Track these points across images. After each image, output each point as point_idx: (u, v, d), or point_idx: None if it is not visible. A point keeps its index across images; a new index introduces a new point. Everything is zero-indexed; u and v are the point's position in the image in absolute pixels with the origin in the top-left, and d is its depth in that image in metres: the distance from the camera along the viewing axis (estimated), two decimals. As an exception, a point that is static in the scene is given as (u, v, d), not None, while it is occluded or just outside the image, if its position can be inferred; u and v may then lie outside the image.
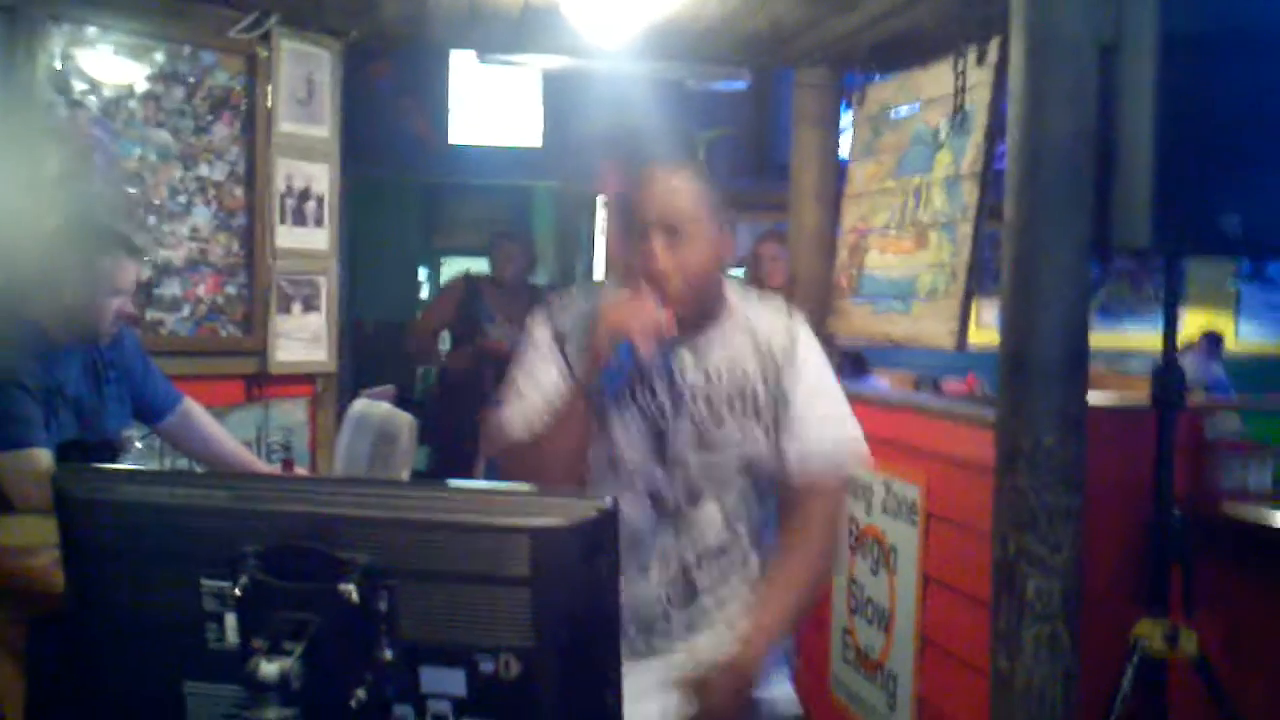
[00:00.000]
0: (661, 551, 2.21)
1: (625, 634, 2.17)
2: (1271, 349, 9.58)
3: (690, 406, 2.19)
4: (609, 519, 1.31)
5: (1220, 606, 3.32)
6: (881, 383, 6.79)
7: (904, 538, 3.65)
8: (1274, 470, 3.51)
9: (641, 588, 2.21)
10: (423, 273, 11.73)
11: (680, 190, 2.14)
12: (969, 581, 3.19)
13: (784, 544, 2.25)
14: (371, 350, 7.93)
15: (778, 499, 2.32)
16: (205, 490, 1.42)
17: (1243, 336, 9.75)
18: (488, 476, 5.49)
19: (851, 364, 6.46)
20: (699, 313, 2.19)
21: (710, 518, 2.22)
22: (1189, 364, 7.89)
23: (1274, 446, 3.53)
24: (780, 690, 2.33)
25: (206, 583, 1.36)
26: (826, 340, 4.65)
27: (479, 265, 6.20)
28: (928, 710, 3.53)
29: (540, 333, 2.27)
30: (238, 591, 1.33)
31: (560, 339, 2.24)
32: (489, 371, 5.51)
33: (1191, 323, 9.01)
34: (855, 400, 4.16)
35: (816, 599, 2.23)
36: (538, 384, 2.21)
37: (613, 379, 2.08)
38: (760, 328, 2.25)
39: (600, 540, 1.31)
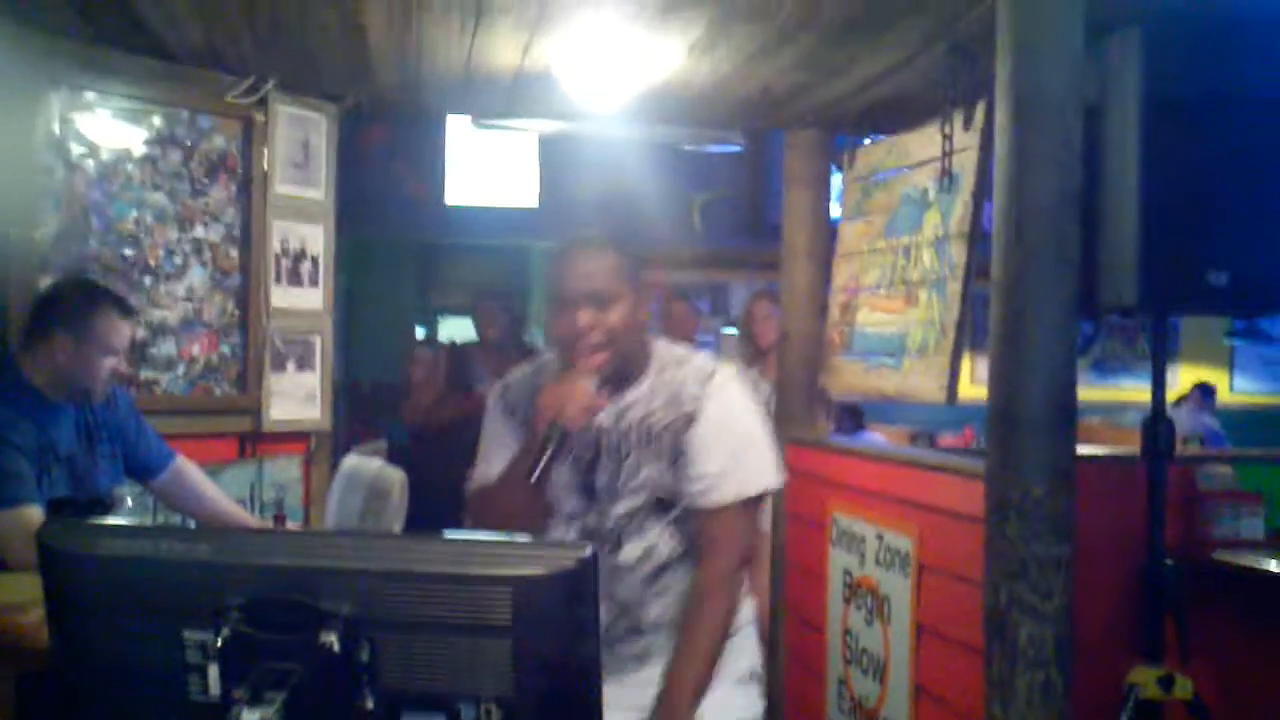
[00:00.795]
0: (602, 589, 2.28)
1: None
2: (1265, 401, 9.61)
3: (610, 457, 2.42)
4: (588, 567, 1.32)
5: (1214, 653, 3.32)
6: (877, 437, 6.82)
7: (897, 588, 3.65)
8: (1266, 520, 3.52)
9: None
10: (420, 332, 11.76)
11: (601, 262, 2.37)
12: (962, 630, 3.19)
13: (698, 582, 2.41)
14: (367, 409, 7.96)
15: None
16: (188, 544, 1.43)
17: (1237, 390, 9.79)
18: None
19: (849, 419, 6.50)
20: (622, 372, 2.40)
21: (635, 555, 2.41)
22: (1183, 416, 7.93)
23: (1266, 496, 3.54)
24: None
25: (189, 635, 1.37)
26: (820, 396, 4.69)
27: (469, 330, 6.27)
28: (923, 762, 3.51)
29: (495, 404, 2.58)
30: (220, 643, 1.34)
31: (510, 411, 2.53)
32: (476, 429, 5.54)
33: (1186, 377, 9.05)
34: (847, 455, 4.22)
35: (724, 630, 2.41)
36: (496, 445, 2.51)
37: (546, 463, 2.28)
38: (675, 383, 2.43)
39: (580, 588, 1.32)
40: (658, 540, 2.41)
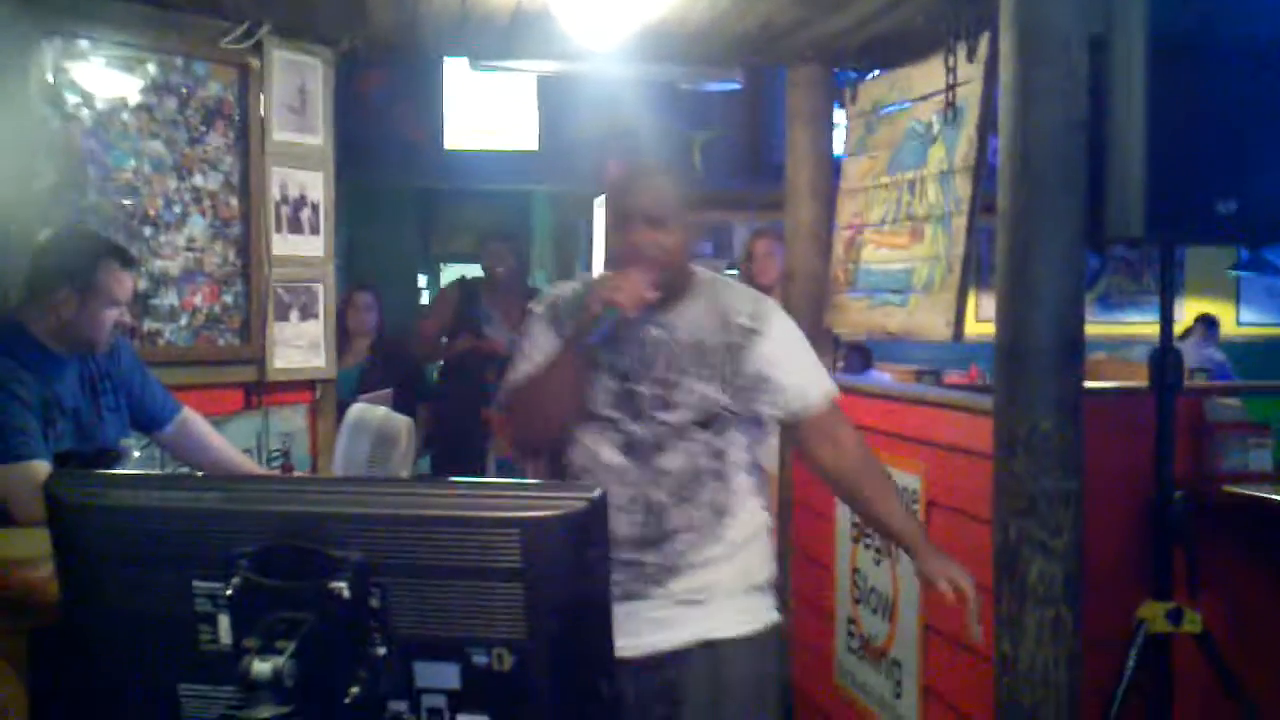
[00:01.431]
0: (634, 493, 2.52)
1: None
2: (1271, 332, 9.59)
3: (653, 366, 2.53)
4: (599, 509, 1.31)
5: (1223, 586, 3.33)
6: (885, 376, 6.80)
7: (906, 528, 3.65)
8: (1274, 451, 3.51)
9: (620, 526, 2.45)
10: (422, 279, 11.73)
11: (661, 187, 2.54)
12: (971, 568, 3.17)
13: (835, 465, 2.68)
14: (391, 359, 7.96)
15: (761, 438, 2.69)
16: (196, 493, 1.43)
17: (1243, 322, 9.76)
18: (498, 473, 5.53)
19: (858, 358, 6.48)
20: (671, 291, 2.53)
21: (677, 463, 2.53)
22: (1188, 349, 7.89)
23: (1274, 427, 3.53)
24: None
25: (199, 584, 1.37)
26: (826, 334, 4.67)
27: (476, 270, 6.22)
28: (933, 696, 3.53)
29: (540, 310, 2.68)
30: (230, 593, 1.33)
31: (556, 316, 2.63)
32: (490, 370, 5.54)
33: (1191, 310, 9.01)
34: (854, 393, 4.21)
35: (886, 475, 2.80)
36: (539, 349, 2.60)
37: (599, 338, 2.45)
38: (725, 304, 2.60)
39: (590, 530, 1.31)
40: (697, 452, 2.53)
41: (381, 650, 1.33)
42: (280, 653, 1.30)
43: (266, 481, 2.32)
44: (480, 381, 5.64)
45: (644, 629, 2.46)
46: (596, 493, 1.32)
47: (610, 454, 2.53)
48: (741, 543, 2.60)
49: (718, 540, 2.56)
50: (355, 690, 1.33)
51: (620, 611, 2.32)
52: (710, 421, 2.54)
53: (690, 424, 2.52)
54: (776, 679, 2.71)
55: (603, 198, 8.58)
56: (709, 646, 2.53)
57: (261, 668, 1.28)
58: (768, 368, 2.57)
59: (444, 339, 5.98)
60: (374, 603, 1.32)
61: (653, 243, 2.48)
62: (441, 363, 6.15)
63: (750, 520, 2.63)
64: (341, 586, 1.30)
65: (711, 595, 2.55)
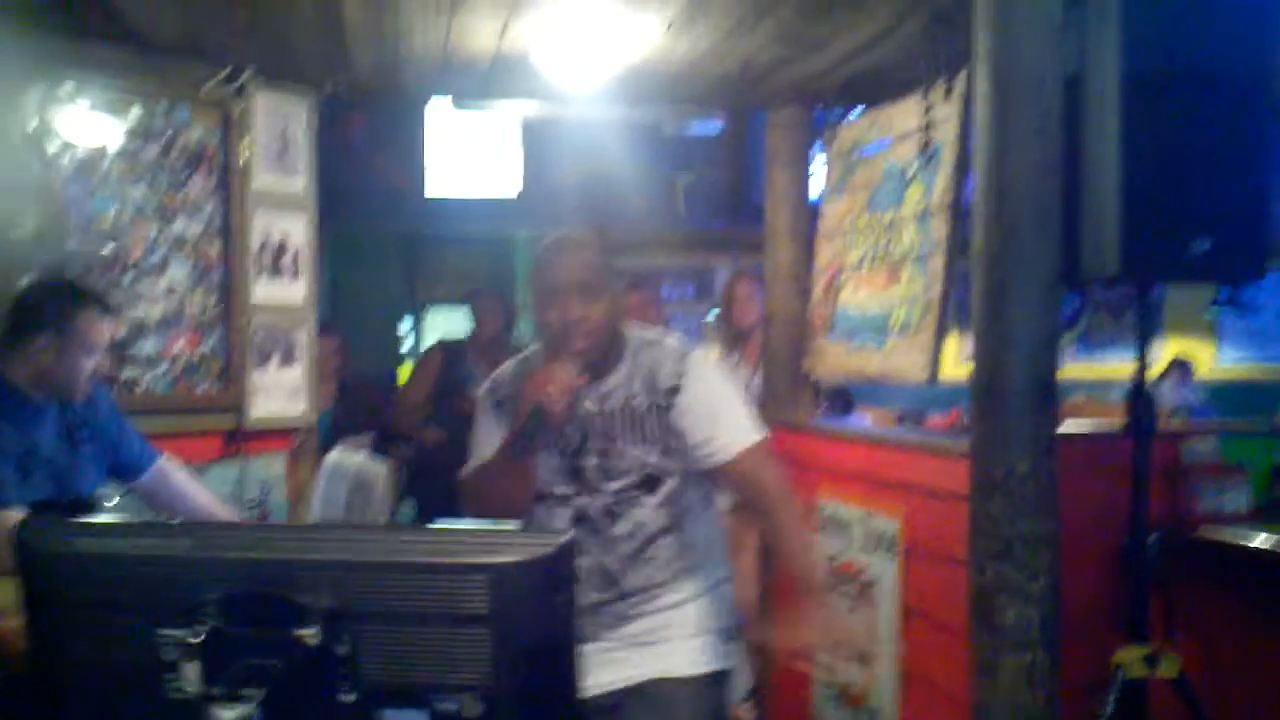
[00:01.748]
0: (591, 563, 2.57)
1: None
2: (1250, 373, 9.61)
3: (596, 443, 2.58)
4: (566, 554, 1.32)
5: (1200, 629, 3.33)
6: (865, 419, 6.81)
7: (884, 571, 3.65)
8: (1250, 492, 3.52)
9: (577, 595, 2.42)
10: (406, 323, 11.72)
11: (586, 253, 2.56)
12: (949, 612, 3.19)
13: (759, 512, 2.67)
14: (355, 403, 7.93)
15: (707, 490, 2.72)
16: (164, 540, 1.43)
17: (1222, 362, 9.79)
18: None
19: (840, 402, 6.48)
20: (601, 357, 2.56)
21: (627, 529, 2.58)
22: (1165, 391, 7.92)
23: (1249, 469, 3.54)
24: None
25: (166, 632, 1.36)
26: (805, 379, 4.67)
27: (462, 316, 6.21)
28: (913, 744, 3.52)
29: (486, 399, 2.73)
30: (197, 640, 1.33)
31: (500, 405, 2.68)
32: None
33: (1171, 349, 9.04)
34: (833, 438, 4.22)
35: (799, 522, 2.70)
36: (485, 439, 2.67)
37: (528, 442, 2.46)
38: (651, 365, 2.61)
39: (557, 575, 1.32)
40: (647, 516, 2.58)
41: (350, 697, 1.33)
42: (247, 700, 1.30)
43: (234, 528, 2.32)
44: (464, 440, 5.61)
45: (595, 669, 2.48)
46: (564, 538, 1.32)
47: (564, 528, 2.52)
48: (701, 591, 2.66)
49: (676, 591, 2.63)
50: (323, 738, 1.33)
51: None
52: (653, 484, 2.59)
53: (635, 489, 2.58)
54: None
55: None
56: (659, 684, 2.57)
57: (228, 716, 1.28)
58: (684, 423, 2.58)
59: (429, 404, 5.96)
60: (342, 650, 1.32)
61: (584, 318, 2.50)
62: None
63: (711, 572, 2.69)
64: (309, 634, 1.30)
65: (665, 637, 2.60)
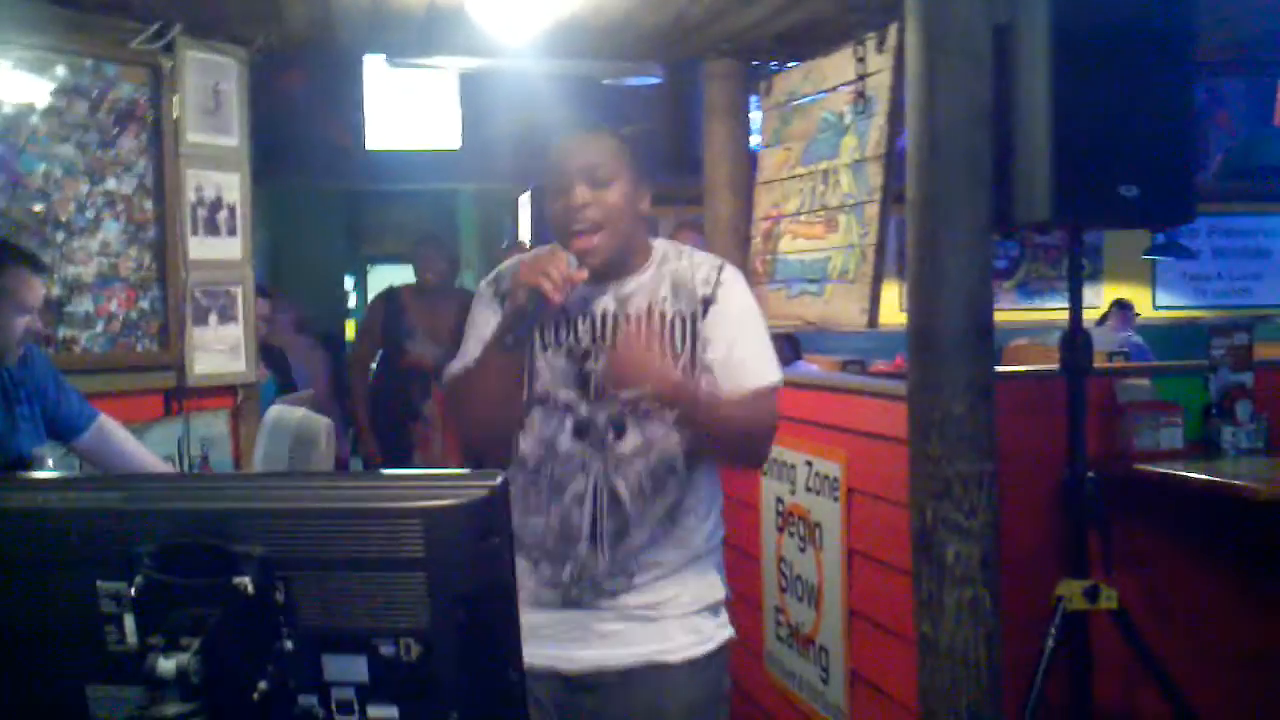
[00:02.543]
0: (593, 481, 2.33)
1: (558, 579, 2.34)
2: (1185, 315, 9.78)
3: (607, 341, 2.34)
4: (500, 496, 1.32)
5: (1138, 562, 3.40)
6: (813, 367, 6.87)
7: (828, 514, 3.69)
8: (1185, 429, 3.58)
9: (575, 517, 2.32)
10: (349, 281, 11.66)
11: (598, 142, 2.32)
12: (892, 552, 3.24)
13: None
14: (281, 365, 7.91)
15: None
16: (97, 493, 1.42)
17: (1159, 305, 9.95)
18: None
19: (788, 348, 6.54)
20: (622, 259, 2.35)
21: (638, 448, 2.33)
22: (1105, 333, 8.04)
23: (1184, 406, 3.61)
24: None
25: (103, 585, 1.36)
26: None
27: (406, 272, 6.17)
28: (860, 681, 3.57)
29: (485, 290, 2.50)
30: (134, 592, 1.33)
31: (499, 293, 2.45)
32: (414, 387, 5.54)
33: (1110, 294, 9.17)
34: (776, 383, 4.24)
35: (741, 438, 2.42)
36: (481, 331, 2.41)
37: (524, 331, 2.24)
38: (684, 276, 2.39)
39: (493, 517, 1.32)
40: (655, 436, 2.33)
41: (289, 644, 1.33)
42: (185, 650, 1.29)
43: (167, 479, 2.31)
44: (406, 398, 5.62)
45: (591, 641, 2.33)
46: (498, 480, 1.32)
47: (565, 440, 2.34)
48: (700, 554, 2.42)
49: (676, 545, 2.37)
50: (263, 685, 1.33)
51: (566, 619, 2.33)
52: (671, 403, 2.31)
53: (650, 401, 2.30)
54: (725, 698, 2.52)
55: (527, 194, 8.56)
56: (657, 669, 2.35)
57: (166, 665, 1.28)
58: (719, 333, 2.35)
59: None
60: (279, 597, 1.32)
61: (593, 203, 2.27)
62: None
63: (713, 530, 2.46)
64: (245, 582, 1.30)
65: (664, 613, 2.36)
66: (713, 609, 2.46)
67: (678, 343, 2.34)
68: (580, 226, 2.27)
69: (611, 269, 2.34)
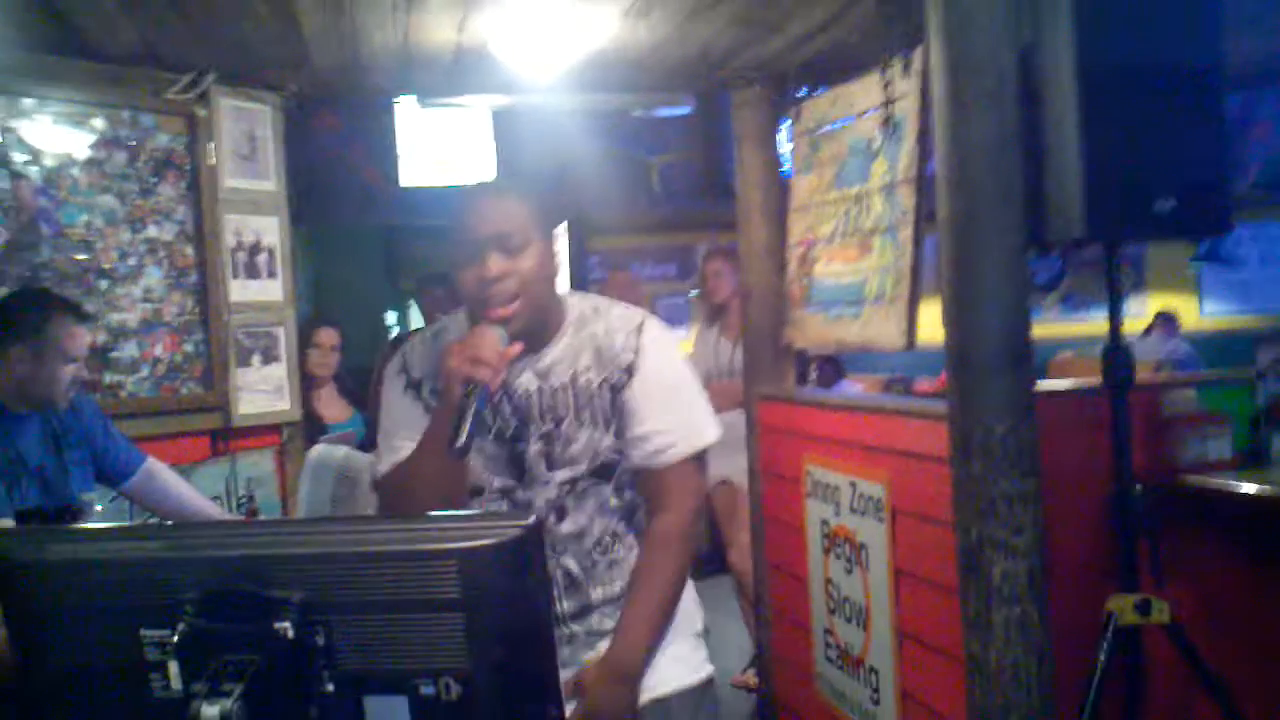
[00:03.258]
0: (551, 566, 2.26)
1: None
2: (1234, 323, 9.69)
3: (536, 420, 2.26)
4: (534, 535, 1.33)
5: (1189, 574, 3.37)
6: (855, 386, 6.85)
7: (873, 534, 3.68)
8: (1233, 440, 3.55)
9: None
10: (391, 316, 11.74)
11: (507, 207, 2.19)
12: (938, 572, 3.22)
13: (646, 535, 2.30)
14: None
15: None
16: (140, 542, 1.44)
17: (1206, 314, 9.86)
18: None
19: (831, 369, 6.54)
20: (538, 326, 2.24)
21: (581, 527, 2.28)
22: (1152, 344, 7.97)
23: (1230, 416, 3.57)
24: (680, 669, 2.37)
25: (147, 633, 1.38)
26: (788, 349, 4.70)
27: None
28: (910, 701, 3.55)
29: (395, 379, 2.34)
30: (177, 639, 1.35)
31: (415, 385, 2.31)
32: None
33: (1155, 305, 9.10)
34: (817, 406, 4.24)
35: (683, 582, 2.31)
36: (401, 427, 2.27)
37: (473, 429, 2.04)
38: (602, 336, 2.30)
39: (527, 556, 1.33)
40: (601, 509, 2.29)
41: (330, 687, 1.35)
42: (228, 695, 1.31)
43: (208, 527, 2.33)
44: None
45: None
46: (532, 519, 1.33)
47: None
48: None
49: None
50: (306, 728, 1.34)
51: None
52: (607, 471, 2.28)
53: (585, 477, 2.27)
54: None
55: (564, 226, 8.58)
56: (659, 703, 2.29)
57: (210, 711, 1.30)
58: (635, 407, 2.26)
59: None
60: (319, 641, 1.33)
61: (509, 273, 2.15)
62: None
63: None
64: (286, 626, 1.32)
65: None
66: (695, 640, 2.42)
67: (603, 415, 2.26)
68: (497, 298, 2.15)
69: (530, 338, 2.21)
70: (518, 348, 2.14)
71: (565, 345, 2.29)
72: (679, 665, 2.35)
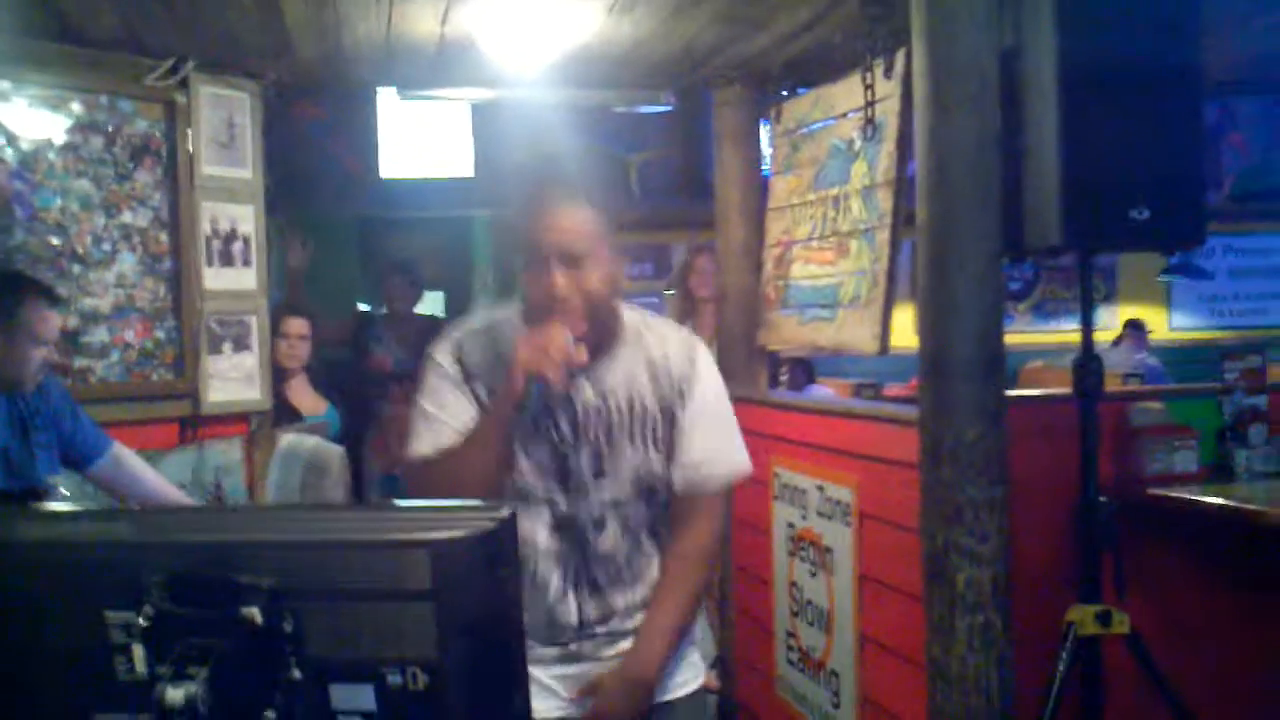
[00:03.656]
0: (575, 575, 2.31)
1: (552, 654, 2.32)
2: (1201, 336, 9.75)
3: (589, 434, 2.27)
4: (508, 528, 1.34)
5: (1151, 587, 3.40)
6: (826, 390, 6.87)
7: (839, 539, 3.69)
8: (1199, 453, 3.58)
9: (561, 612, 2.31)
10: (364, 308, 11.70)
11: (577, 220, 2.18)
12: (903, 578, 3.24)
13: (672, 551, 2.36)
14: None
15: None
16: (107, 524, 1.44)
17: (1175, 326, 9.92)
18: (382, 490, 5.58)
19: (801, 372, 6.55)
20: (597, 339, 2.24)
21: (615, 539, 2.31)
22: (1121, 354, 8.02)
23: (1197, 429, 3.60)
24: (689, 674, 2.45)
25: (112, 615, 1.37)
26: (761, 352, 4.71)
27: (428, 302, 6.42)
28: (870, 706, 3.56)
29: (449, 366, 2.31)
30: (142, 622, 1.34)
31: (469, 377, 2.30)
32: (371, 390, 5.82)
33: (1125, 315, 9.15)
34: (787, 409, 4.26)
35: (701, 598, 2.43)
36: (450, 412, 2.27)
37: (527, 411, 2.13)
38: (658, 355, 2.32)
39: (500, 549, 1.33)
40: (636, 525, 2.32)
41: (296, 674, 1.34)
42: (193, 679, 1.31)
43: (177, 511, 2.32)
44: (364, 399, 5.86)
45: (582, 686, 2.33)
46: (505, 511, 1.34)
47: (544, 535, 2.28)
48: None
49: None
50: (271, 715, 1.34)
51: (575, 671, 2.31)
52: (647, 495, 2.31)
53: (629, 500, 2.29)
54: None
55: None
56: (665, 705, 2.36)
57: (174, 695, 1.29)
58: (685, 430, 2.30)
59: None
60: (286, 627, 1.33)
61: (574, 290, 2.15)
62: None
63: None
64: (253, 612, 1.31)
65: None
66: (694, 647, 2.49)
67: (659, 436, 2.30)
68: (561, 314, 2.15)
69: (586, 348, 2.19)
70: (584, 357, 2.16)
71: (625, 361, 2.30)
72: (686, 672, 2.42)
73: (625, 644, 2.32)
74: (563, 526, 2.28)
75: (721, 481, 2.37)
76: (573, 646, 2.32)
